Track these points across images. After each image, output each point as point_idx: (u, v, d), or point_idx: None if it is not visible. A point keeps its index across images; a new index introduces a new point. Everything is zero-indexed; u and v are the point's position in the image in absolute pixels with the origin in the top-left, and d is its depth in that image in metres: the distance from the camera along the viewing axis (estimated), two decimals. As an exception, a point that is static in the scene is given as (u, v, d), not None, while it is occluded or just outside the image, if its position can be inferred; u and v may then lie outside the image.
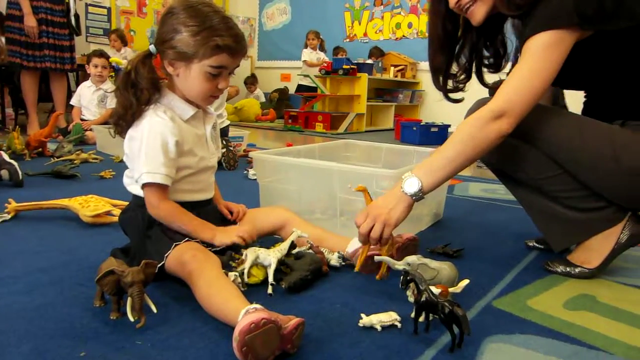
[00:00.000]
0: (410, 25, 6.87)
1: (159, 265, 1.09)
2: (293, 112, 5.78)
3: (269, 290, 1.10)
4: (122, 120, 1.14)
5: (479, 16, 1.25)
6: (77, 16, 3.83)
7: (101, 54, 3.81)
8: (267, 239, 1.39)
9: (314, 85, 5.90)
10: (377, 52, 6.64)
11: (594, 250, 1.29)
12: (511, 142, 1.22)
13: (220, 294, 0.97)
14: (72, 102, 3.87)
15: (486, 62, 1.44)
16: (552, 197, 1.30)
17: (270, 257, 1.15)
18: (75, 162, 2.68)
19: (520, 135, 1.21)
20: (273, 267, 1.14)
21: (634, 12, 1.12)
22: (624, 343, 0.97)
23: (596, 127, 1.23)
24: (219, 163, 2.69)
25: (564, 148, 1.23)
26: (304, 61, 6.37)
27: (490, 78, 1.48)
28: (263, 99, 7.40)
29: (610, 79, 1.26)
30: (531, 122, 1.19)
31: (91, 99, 3.82)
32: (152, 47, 1.15)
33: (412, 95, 6.60)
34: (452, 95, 1.46)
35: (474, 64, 1.44)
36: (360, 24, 7.35)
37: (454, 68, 1.43)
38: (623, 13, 1.11)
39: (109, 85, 3.86)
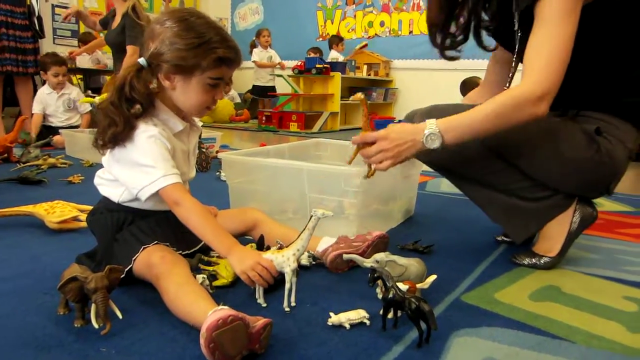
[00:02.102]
0: (382, 24, 6.91)
1: (126, 269, 1.08)
2: (267, 112, 5.76)
3: (285, 307, 1.04)
4: (112, 133, 1.07)
5: None
6: (40, 18, 3.72)
7: (61, 62, 3.68)
8: (242, 240, 1.38)
9: (269, 85, 5.89)
10: (335, 40, 6.62)
11: (553, 238, 1.33)
12: None
13: (188, 296, 0.96)
14: (35, 110, 3.68)
15: (484, 25, 1.39)
16: (503, 190, 1.33)
17: (284, 267, 1.03)
18: (42, 167, 2.62)
19: None
20: (288, 283, 1.03)
21: None
22: (585, 331, 0.99)
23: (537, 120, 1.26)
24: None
25: (507, 141, 1.25)
26: (254, 62, 6.21)
27: (489, 41, 1.43)
28: (238, 100, 7.35)
29: (579, 61, 1.26)
30: None
31: (57, 107, 3.72)
32: (142, 60, 1.10)
33: (386, 93, 6.64)
34: (448, 54, 1.42)
35: (472, 26, 1.37)
36: (332, 22, 7.37)
37: (453, 28, 1.38)
38: None
39: (71, 89, 3.77)
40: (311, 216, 1.04)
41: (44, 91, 3.74)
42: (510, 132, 1.24)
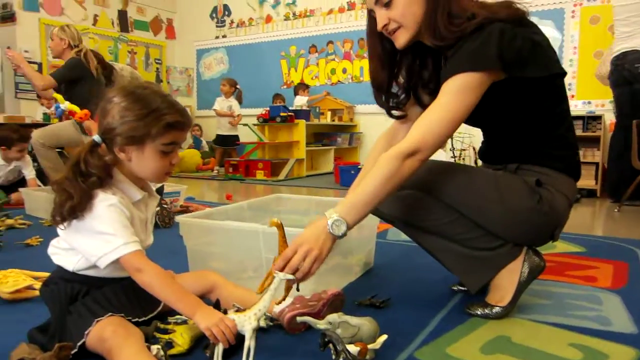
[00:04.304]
0: (344, 71, 7.13)
1: (79, 344, 1.07)
2: (233, 161, 5.79)
3: None
4: (70, 207, 1.09)
5: (401, 41, 1.32)
6: None
7: (27, 138, 3.57)
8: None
9: (231, 133, 6.04)
10: (302, 86, 6.74)
11: (503, 288, 1.38)
12: (412, 194, 1.30)
13: (139, 371, 0.96)
14: None
15: (422, 84, 1.47)
16: (457, 240, 1.39)
17: (245, 325, 1.06)
18: (0, 228, 2.57)
19: (419, 187, 1.30)
20: (247, 340, 1.05)
21: (545, 64, 1.26)
22: (532, 384, 1.03)
23: (483, 174, 1.37)
24: (154, 222, 2.66)
25: (457, 194, 1.33)
26: (214, 109, 6.23)
27: (429, 99, 1.48)
28: (206, 149, 7.37)
29: (508, 124, 1.38)
30: (428, 175, 1.30)
31: (6, 177, 3.63)
32: (96, 138, 1.14)
33: (350, 137, 6.78)
34: (395, 113, 1.50)
35: (412, 84, 1.47)
36: (296, 70, 7.55)
37: (395, 87, 1.45)
38: (536, 63, 1.24)
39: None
40: (273, 277, 1.08)
41: None
42: (459, 184, 1.33)
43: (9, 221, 2.68)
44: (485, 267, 1.40)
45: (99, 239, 1.10)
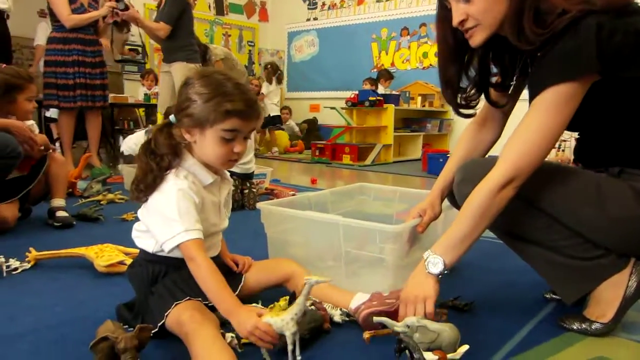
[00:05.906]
0: (437, 54, 6.86)
1: (159, 324, 1.11)
2: (320, 144, 5.82)
3: None
4: (143, 184, 1.15)
5: (477, 40, 1.20)
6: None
7: None
8: (276, 291, 1.38)
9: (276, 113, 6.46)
10: (385, 74, 6.62)
11: (606, 302, 1.24)
12: None
13: (213, 357, 0.97)
14: None
15: (493, 80, 1.38)
16: (552, 247, 1.26)
17: (284, 329, 1.04)
18: (102, 202, 2.77)
19: None
20: (290, 344, 1.04)
21: None
22: (636, 418, 0.91)
23: (582, 176, 1.22)
24: (242, 204, 2.73)
25: (552, 199, 1.20)
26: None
27: (500, 97, 1.40)
28: (296, 129, 7.48)
29: (608, 125, 1.22)
30: None
31: None
32: (172, 117, 1.17)
33: (441, 124, 6.55)
34: (463, 111, 1.40)
35: (483, 79, 1.36)
36: (387, 54, 7.41)
37: (464, 82, 1.35)
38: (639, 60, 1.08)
39: None
40: (305, 283, 1.05)
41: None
42: (554, 188, 1.21)
43: (110, 196, 2.88)
44: (584, 278, 1.26)
45: (164, 224, 1.12)
